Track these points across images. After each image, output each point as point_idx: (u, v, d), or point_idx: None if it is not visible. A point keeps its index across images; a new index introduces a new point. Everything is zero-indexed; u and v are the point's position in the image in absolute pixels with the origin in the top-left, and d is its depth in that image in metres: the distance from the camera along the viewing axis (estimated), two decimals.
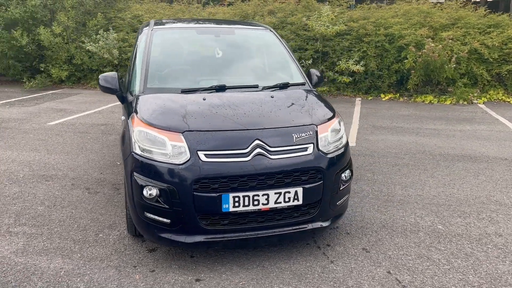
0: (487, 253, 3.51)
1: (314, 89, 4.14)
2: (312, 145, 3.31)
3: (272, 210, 3.17)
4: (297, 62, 4.36)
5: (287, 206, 3.19)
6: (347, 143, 3.66)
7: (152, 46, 4.15)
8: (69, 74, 12.12)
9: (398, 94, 10.60)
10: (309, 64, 10.78)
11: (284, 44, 4.49)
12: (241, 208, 3.09)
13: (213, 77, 4.12)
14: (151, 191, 3.10)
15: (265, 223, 3.21)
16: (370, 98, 10.60)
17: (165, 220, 3.13)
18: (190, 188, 3.02)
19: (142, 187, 3.13)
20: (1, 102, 10.02)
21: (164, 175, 3.09)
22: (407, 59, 10.10)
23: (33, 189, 4.80)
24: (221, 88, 3.80)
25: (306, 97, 3.86)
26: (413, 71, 10.18)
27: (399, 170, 5.47)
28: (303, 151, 3.26)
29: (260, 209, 3.13)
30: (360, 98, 10.57)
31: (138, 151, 3.23)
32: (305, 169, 3.22)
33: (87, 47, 11.26)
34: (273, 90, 3.90)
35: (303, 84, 4.12)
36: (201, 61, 4.37)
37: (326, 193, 3.32)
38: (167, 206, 3.08)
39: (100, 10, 12.49)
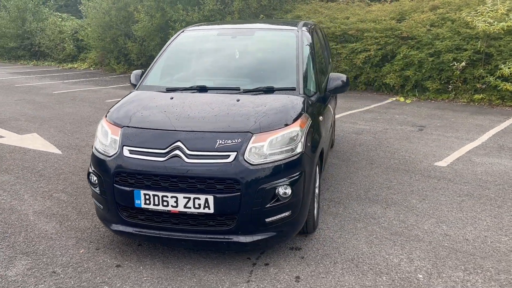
0: None
1: (303, 95, 3.75)
2: (235, 153, 3.10)
3: (184, 214, 3.14)
4: (302, 67, 3.97)
5: (197, 212, 3.10)
6: (299, 156, 3.25)
7: (170, 47, 4.48)
8: None
9: None
10: (462, 66, 9.27)
11: (299, 47, 4.13)
12: (151, 206, 3.17)
13: (207, 78, 4.19)
14: (94, 178, 3.47)
15: (179, 226, 3.20)
16: None
17: (99, 205, 3.46)
18: (112, 179, 3.26)
19: (89, 174, 3.53)
20: None
21: (98, 164, 3.40)
22: None
23: None
24: (202, 89, 3.88)
25: (274, 102, 3.56)
26: None
27: (461, 202, 4.39)
28: (223, 159, 3.10)
29: (170, 210, 3.14)
30: None
31: (96, 142, 3.62)
32: (220, 177, 3.06)
33: None
34: (254, 94, 3.75)
35: (292, 89, 3.80)
36: (203, 61, 4.46)
37: (245, 206, 3.07)
38: (98, 193, 3.41)
39: (267, 12, 13.35)
